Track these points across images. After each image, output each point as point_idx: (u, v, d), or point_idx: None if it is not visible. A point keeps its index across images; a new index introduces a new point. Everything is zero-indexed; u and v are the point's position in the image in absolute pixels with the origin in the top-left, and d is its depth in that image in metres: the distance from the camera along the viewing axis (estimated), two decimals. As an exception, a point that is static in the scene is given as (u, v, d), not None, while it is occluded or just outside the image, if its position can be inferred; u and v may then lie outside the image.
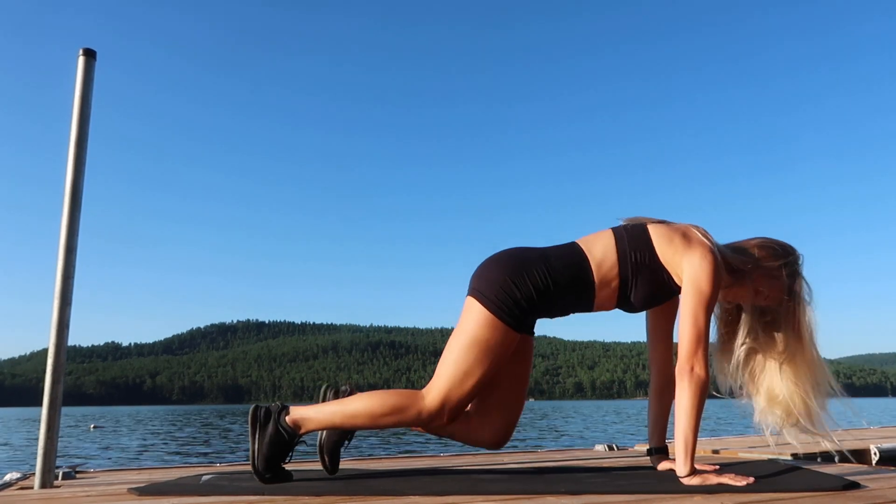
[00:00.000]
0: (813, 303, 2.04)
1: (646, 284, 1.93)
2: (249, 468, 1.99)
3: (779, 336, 2.03)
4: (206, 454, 10.40)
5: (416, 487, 1.83)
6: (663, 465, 2.14)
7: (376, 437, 14.52)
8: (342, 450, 2.06)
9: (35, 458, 2.08)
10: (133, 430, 20.20)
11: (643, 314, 2.16)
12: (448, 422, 1.94)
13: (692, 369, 1.80)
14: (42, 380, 2.09)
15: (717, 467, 1.92)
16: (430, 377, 1.93)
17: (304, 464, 2.62)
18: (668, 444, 2.17)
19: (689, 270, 1.87)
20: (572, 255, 1.94)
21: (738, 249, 2.00)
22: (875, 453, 3.12)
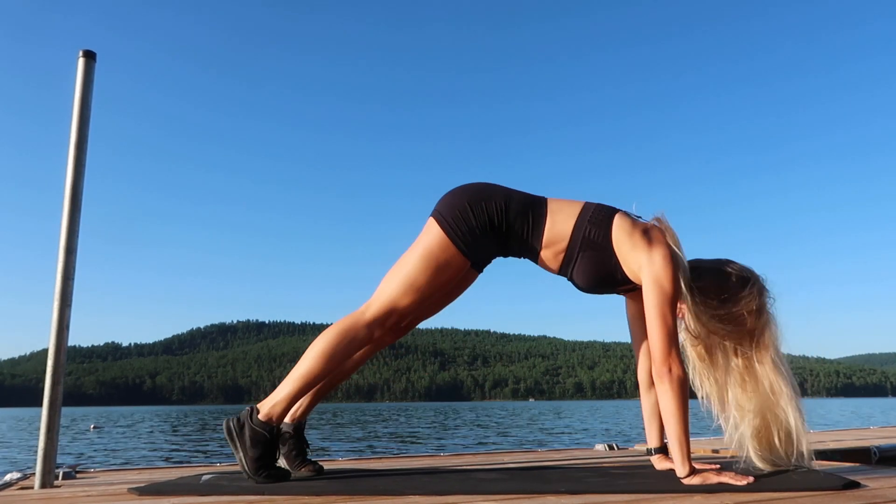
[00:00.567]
0: (775, 319, 2.01)
1: (590, 262, 1.95)
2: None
3: (740, 351, 2.02)
4: (206, 454, 10.40)
5: (415, 487, 1.83)
6: (663, 465, 2.14)
7: (376, 438, 14.53)
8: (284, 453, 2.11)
9: (35, 459, 2.09)
10: (133, 431, 20.20)
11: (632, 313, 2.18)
12: (389, 329, 2.00)
13: (670, 370, 1.80)
14: (42, 380, 2.09)
15: (718, 466, 1.92)
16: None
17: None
18: (668, 443, 2.17)
19: (649, 269, 1.86)
20: (532, 206, 1.99)
21: (705, 271, 1.99)
22: (875, 453, 3.12)
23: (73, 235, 2.15)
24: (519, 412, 39.89)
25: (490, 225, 1.95)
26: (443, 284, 1.98)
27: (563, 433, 15.50)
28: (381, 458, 3.15)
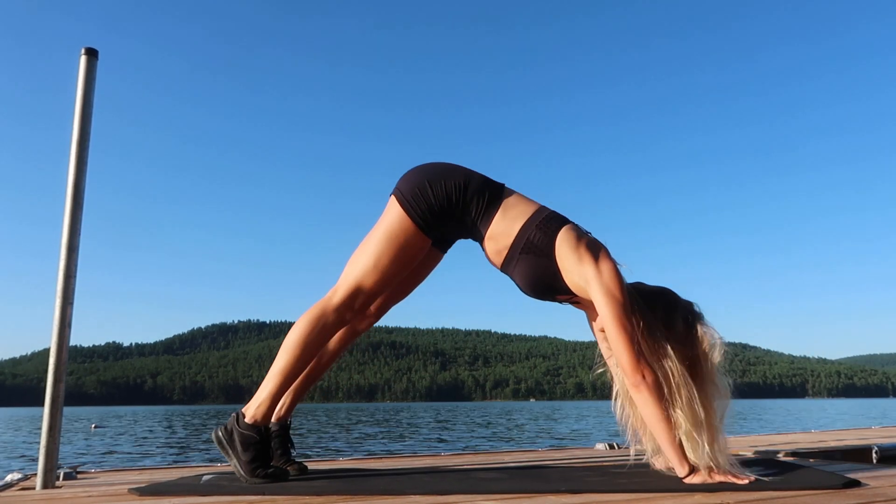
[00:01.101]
0: (714, 333, 1.96)
1: (528, 266, 1.95)
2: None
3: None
4: (206, 454, 10.41)
5: (416, 487, 1.83)
6: (664, 464, 2.14)
7: (377, 437, 14.53)
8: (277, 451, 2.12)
9: (36, 459, 2.09)
10: (134, 431, 20.21)
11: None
12: (359, 312, 2.02)
13: (643, 377, 1.79)
14: (43, 380, 2.10)
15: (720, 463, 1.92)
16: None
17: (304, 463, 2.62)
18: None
19: (599, 282, 1.85)
20: (490, 190, 2.01)
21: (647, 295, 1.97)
22: (876, 452, 3.12)
23: (74, 234, 2.15)
24: (520, 412, 39.88)
25: (448, 202, 1.97)
26: (406, 263, 2.00)
27: (563, 433, 15.50)
28: (381, 457, 3.15)
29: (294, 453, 2.21)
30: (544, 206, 2.02)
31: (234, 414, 2.00)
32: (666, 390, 1.83)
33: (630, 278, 1.97)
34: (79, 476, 2.41)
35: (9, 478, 2.29)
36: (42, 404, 2.08)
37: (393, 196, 2.02)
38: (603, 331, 2.00)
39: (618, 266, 1.90)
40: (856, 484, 1.81)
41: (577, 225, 2.00)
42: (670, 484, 1.77)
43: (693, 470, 1.78)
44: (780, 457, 2.74)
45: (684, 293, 2.00)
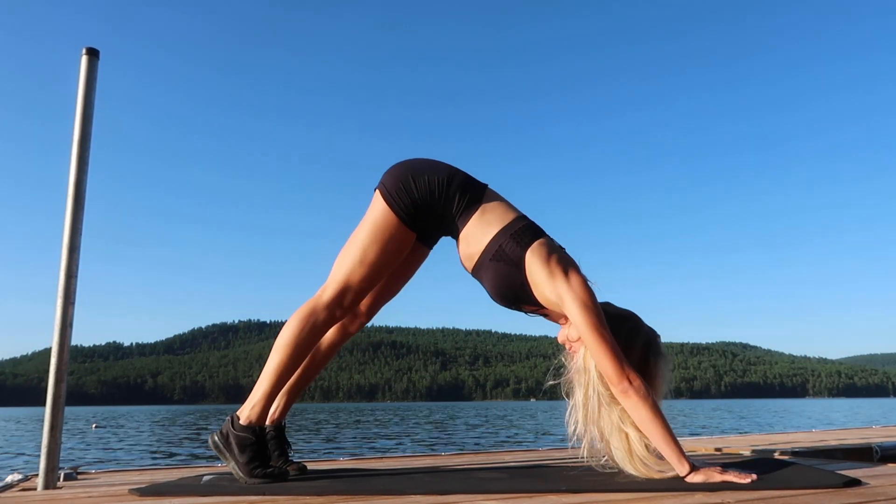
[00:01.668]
0: (664, 358, 1.98)
1: (496, 273, 1.95)
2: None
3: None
4: (207, 454, 10.40)
5: (416, 487, 1.83)
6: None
7: (376, 437, 14.53)
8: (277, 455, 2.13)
9: (36, 459, 2.09)
10: (134, 431, 20.21)
11: None
12: (348, 309, 2.01)
13: (630, 383, 1.79)
14: (44, 379, 2.10)
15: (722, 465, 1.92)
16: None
17: (305, 464, 2.62)
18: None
19: (572, 295, 1.84)
20: (472, 188, 2.02)
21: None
22: (877, 451, 3.12)
23: (76, 233, 2.15)
24: (520, 412, 39.86)
25: (431, 196, 1.98)
26: (392, 257, 2.01)
27: (563, 432, 15.48)
28: (381, 457, 3.15)
29: (292, 454, 2.22)
30: (523, 215, 2.03)
31: (228, 417, 2.00)
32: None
33: (601, 294, 1.95)
34: (79, 476, 2.41)
35: (10, 478, 2.29)
36: (43, 404, 2.08)
37: (377, 191, 2.03)
38: (567, 342, 2.01)
39: (588, 282, 1.90)
40: (857, 483, 1.81)
41: (551, 239, 2.00)
42: (671, 483, 1.77)
43: (694, 469, 1.77)
44: (781, 456, 2.74)
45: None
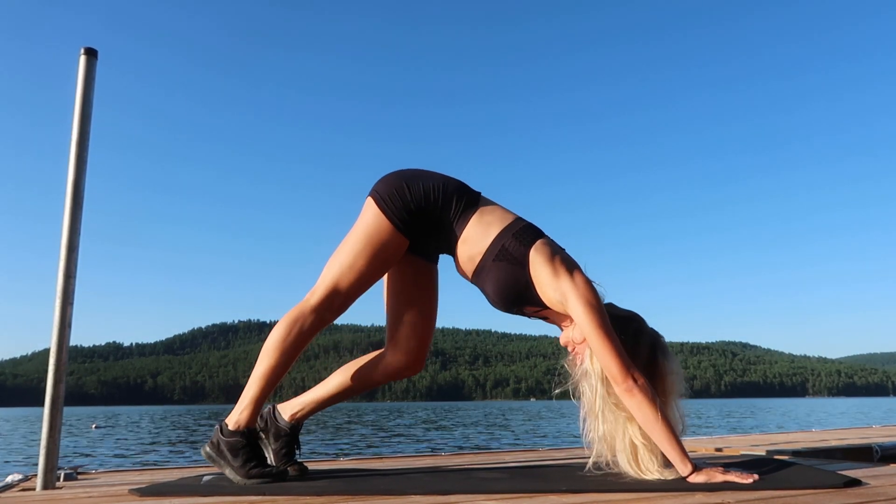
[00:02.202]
0: (671, 358, 1.97)
1: (500, 273, 1.94)
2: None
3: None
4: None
5: (417, 486, 1.83)
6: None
7: (376, 437, 14.53)
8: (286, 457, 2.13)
9: (36, 459, 2.09)
10: (134, 431, 20.21)
11: None
12: (336, 312, 2.00)
13: (634, 380, 1.79)
14: (43, 380, 2.09)
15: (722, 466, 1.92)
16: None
17: (306, 464, 2.62)
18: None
19: (576, 293, 1.84)
20: (467, 194, 2.02)
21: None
22: (877, 451, 3.12)
23: (74, 233, 2.15)
24: (520, 412, 39.87)
25: (426, 200, 1.97)
26: (383, 263, 1.99)
27: (564, 432, 15.50)
28: (382, 457, 3.15)
29: (299, 455, 2.21)
30: (521, 217, 2.02)
31: (217, 426, 2.00)
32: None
33: (606, 295, 1.95)
34: (79, 476, 2.41)
35: (9, 478, 2.28)
36: (42, 404, 2.07)
37: (369, 196, 2.02)
38: (569, 344, 2.00)
39: (591, 282, 1.91)
40: (857, 483, 1.81)
41: (552, 240, 2.00)
42: (671, 483, 1.76)
43: (696, 469, 1.77)
44: (781, 456, 2.74)
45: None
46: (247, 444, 1.94)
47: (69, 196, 2.16)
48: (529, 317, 2.06)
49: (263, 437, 2.15)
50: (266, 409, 2.17)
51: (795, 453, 2.86)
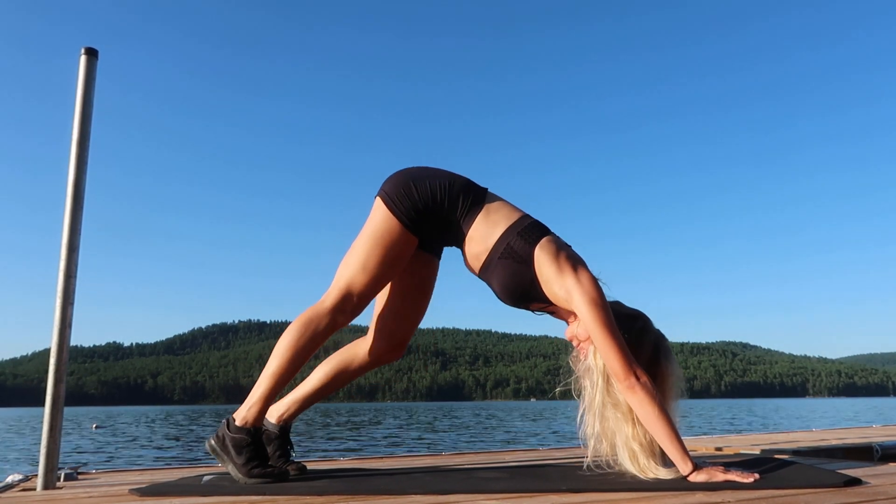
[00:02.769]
0: (671, 359, 1.97)
1: (506, 271, 1.95)
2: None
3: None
4: (207, 454, 10.41)
5: (417, 486, 1.83)
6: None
7: (377, 437, 14.53)
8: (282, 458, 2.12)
9: (36, 459, 2.09)
10: (135, 431, 20.21)
11: None
12: (351, 314, 2.01)
13: (637, 377, 1.80)
14: (44, 380, 2.09)
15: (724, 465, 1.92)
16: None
17: (305, 464, 2.62)
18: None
19: (581, 291, 1.85)
20: (473, 191, 2.02)
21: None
22: (877, 450, 3.12)
23: (75, 233, 2.15)
24: (520, 412, 39.85)
25: (433, 200, 1.98)
26: (394, 262, 2.00)
27: (564, 432, 15.49)
28: (382, 457, 3.15)
29: (293, 455, 2.21)
30: (527, 214, 2.03)
31: (224, 421, 2.00)
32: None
33: (611, 291, 1.95)
34: (80, 477, 2.41)
35: (10, 479, 2.28)
36: (43, 405, 2.07)
37: (378, 197, 2.03)
38: (574, 339, 2.01)
39: (596, 279, 1.91)
40: (857, 482, 1.81)
41: (557, 237, 2.00)
42: (671, 483, 1.76)
43: (697, 468, 1.77)
44: (782, 455, 2.74)
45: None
46: (252, 442, 1.94)
47: (69, 196, 2.16)
48: (535, 312, 2.06)
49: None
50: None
51: (795, 453, 2.86)
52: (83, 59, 2.22)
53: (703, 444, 3.32)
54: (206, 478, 2.08)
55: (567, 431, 15.89)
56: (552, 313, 2.06)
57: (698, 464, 1.80)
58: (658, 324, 2.06)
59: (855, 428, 4.80)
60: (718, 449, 3.10)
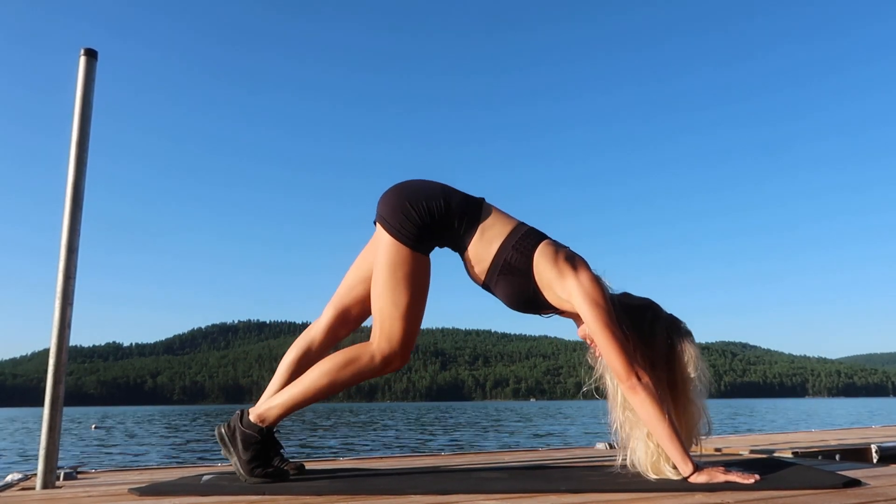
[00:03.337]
0: (692, 344, 1.97)
1: (508, 285, 1.97)
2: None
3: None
4: (206, 454, 10.41)
5: (416, 487, 1.83)
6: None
7: (376, 437, 14.54)
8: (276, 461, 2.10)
9: (36, 459, 2.09)
10: (134, 431, 20.22)
11: None
12: (401, 357, 1.99)
13: (638, 379, 1.80)
14: (43, 380, 2.09)
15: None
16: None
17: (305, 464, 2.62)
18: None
19: (581, 292, 1.86)
20: (469, 208, 2.01)
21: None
22: (877, 451, 3.12)
23: (74, 234, 2.15)
24: (520, 412, 39.89)
25: (431, 220, 1.97)
26: (421, 286, 2.00)
27: (564, 432, 15.50)
28: (382, 457, 3.15)
29: (284, 453, 2.21)
30: (521, 224, 2.03)
31: (238, 411, 2.01)
32: None
33: (617, 287, 1.99)
34: (79, 476, 2.41)
35: (9, 478, 2.29)
36: (42, 404, 2.08)
37: (379, 225, 2.02)
38: (587, 338, 2.01)
39: (598, 277, 1.92)
40: (856, 483, 1.82)
41: (553, 240, 2.01)
42: (671, 483, 1.77)
43: (697, 469, 1.77)
44: (781, 456, 2.74)
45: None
46: (260, 441, 1.95)
47: (69, 197, 2.16)
48: (544, 316, 2.07)
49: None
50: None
51: (795, 453, 2.86)
52: (82, 60, 2.23)
53: (703, 445, 3.32)
54: (205, 477, 2.09)
55: (567, 431, 15.90)
56: (562, 314, 2.07)
57: (699, 465, 1.80)
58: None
59: (854, 428, 4.80)
60: (718, 450, 3.10)
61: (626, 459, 1.96)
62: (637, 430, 1.90)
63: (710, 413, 2.02)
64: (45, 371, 2.09)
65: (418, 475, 2.12)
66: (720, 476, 1.76)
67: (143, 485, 2.00)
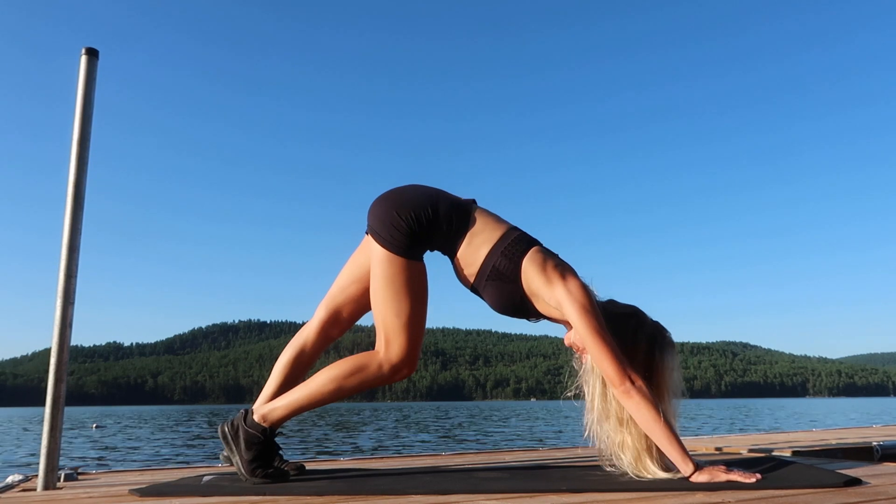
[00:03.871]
0: (673, 352, 1.95)
1: (496, 291, 1.96)
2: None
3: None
4: (207, 455, 10.41)
5: (417, 486, 1.83)
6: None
7: (377, 437, 14.54)
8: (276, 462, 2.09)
9: (37, 459, 2.09)
10: (135, 431, 20.21)
11: None
12: (409, 365, 1.99)
13: (632, 382, 1.79)
14: (44, 380, 2.10)
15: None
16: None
17: (305, 464, 2.62)
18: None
19: (570, 299, 1.85)
20: (458, 213, 2.00)
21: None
22: (877, 450, 3.12)
23: (75, 233, 2.15)
24: (520, 412, 39.88)
25: (420, 228, 1.96)
26: (420, 293, 1.99)
27: (564, 432, 15.50)
28: (382, 457, 3.15)
29: (282, 452, 2.21)
30: (512, 228, 2.02)
31: (242, 410, 2.01)
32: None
33: (608, 292, 1.98)
34: (80, 477, 2.41)
35: (10, 479, 2.28)
36: (43, 404, 2.08)
37: (370, 237, 2.01)
38: (574, 345, 2.01)
39: (585, 285, 1.91)
40: (857, 482, 1.82)
41: (543, 247, 2.00)
42: (672, 483, 1.77)
43: (698, 468, 1.77)
44: (782, 455, 2.74)
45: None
46: (262, 441, 1.95)
47: (70, 196, 2.16)
48: (532, 321, 2.07)
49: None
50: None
51: (795, 453, 2.86)
52: (83, 59, 2.23)
53: (702, 445, 3.32)
54: (206, 478, 2.09)
55: (567, 431, 15.89)
56: (550, 319, 2.06)
57: (700, 464, 1.80)
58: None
59: (855, 428, 4.80)
60: (718, 449, 3.10)
61: (610, 461, 1.96)
62: (618, 434, 1.89)
63: (678, 419, 1.98)
64: (46, 371, 2.10)
65: (418, 475, 2.12)
66: (721, 475, 1.76)
67: (144, 485, 2.00)
